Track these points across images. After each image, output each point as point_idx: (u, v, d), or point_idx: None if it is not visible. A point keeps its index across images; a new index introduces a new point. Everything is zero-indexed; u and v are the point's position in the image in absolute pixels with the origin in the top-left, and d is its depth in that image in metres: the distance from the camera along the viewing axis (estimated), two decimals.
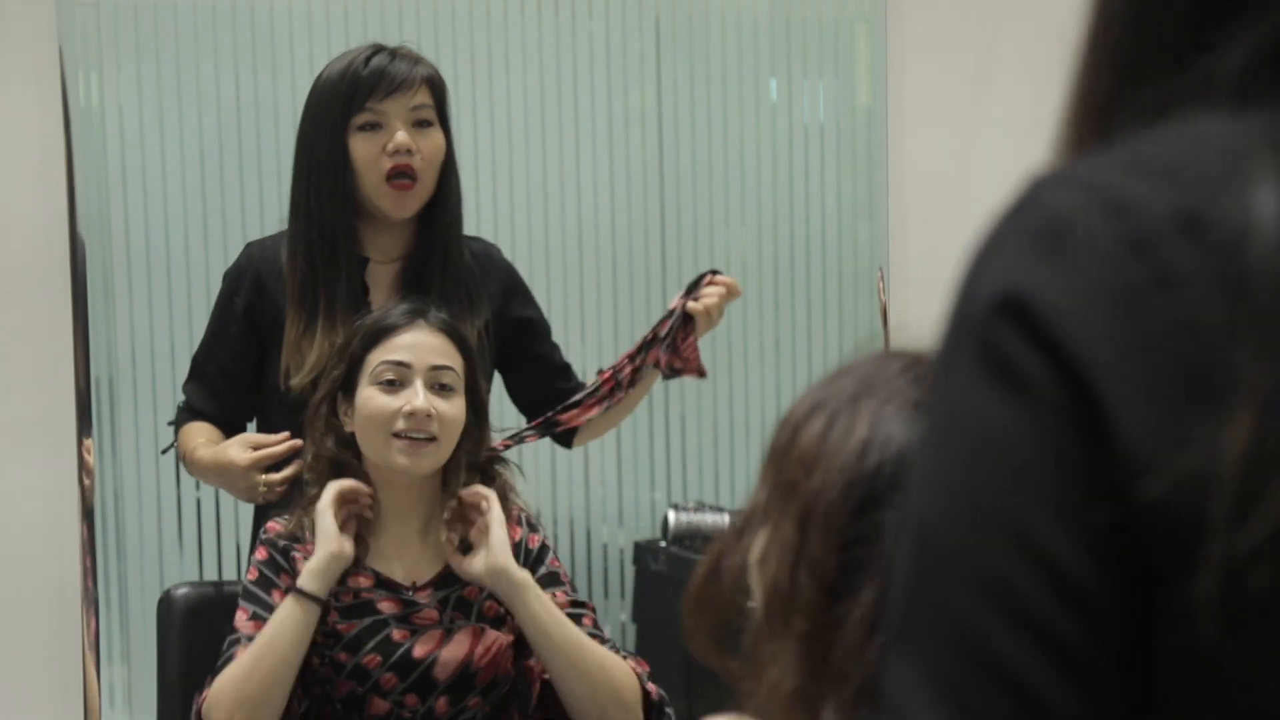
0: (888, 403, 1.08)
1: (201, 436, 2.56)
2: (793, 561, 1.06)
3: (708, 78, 3.77)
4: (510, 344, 2.67)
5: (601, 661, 2.29)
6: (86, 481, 3.42)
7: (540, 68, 3.67)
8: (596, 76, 3.71)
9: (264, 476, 2.47)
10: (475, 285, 2.61)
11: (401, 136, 2.50)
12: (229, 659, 2.24)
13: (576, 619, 2.35)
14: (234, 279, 2.62)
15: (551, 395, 2.71)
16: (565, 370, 2.76)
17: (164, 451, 2.74)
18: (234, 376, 2.60)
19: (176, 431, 2.63)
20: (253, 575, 2.31)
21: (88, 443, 3.42)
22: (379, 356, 2.29)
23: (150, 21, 3.47)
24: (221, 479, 2.54)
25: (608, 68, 3.71)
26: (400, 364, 2.28)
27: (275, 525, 2.34)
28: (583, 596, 2.42)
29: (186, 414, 2.63)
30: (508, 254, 2.96)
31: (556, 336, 3.67)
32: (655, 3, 3.74)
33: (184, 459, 2.61)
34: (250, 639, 2.24)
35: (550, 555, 2.41)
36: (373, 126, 2.51)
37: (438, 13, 3.61)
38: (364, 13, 3.56)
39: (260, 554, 2.33)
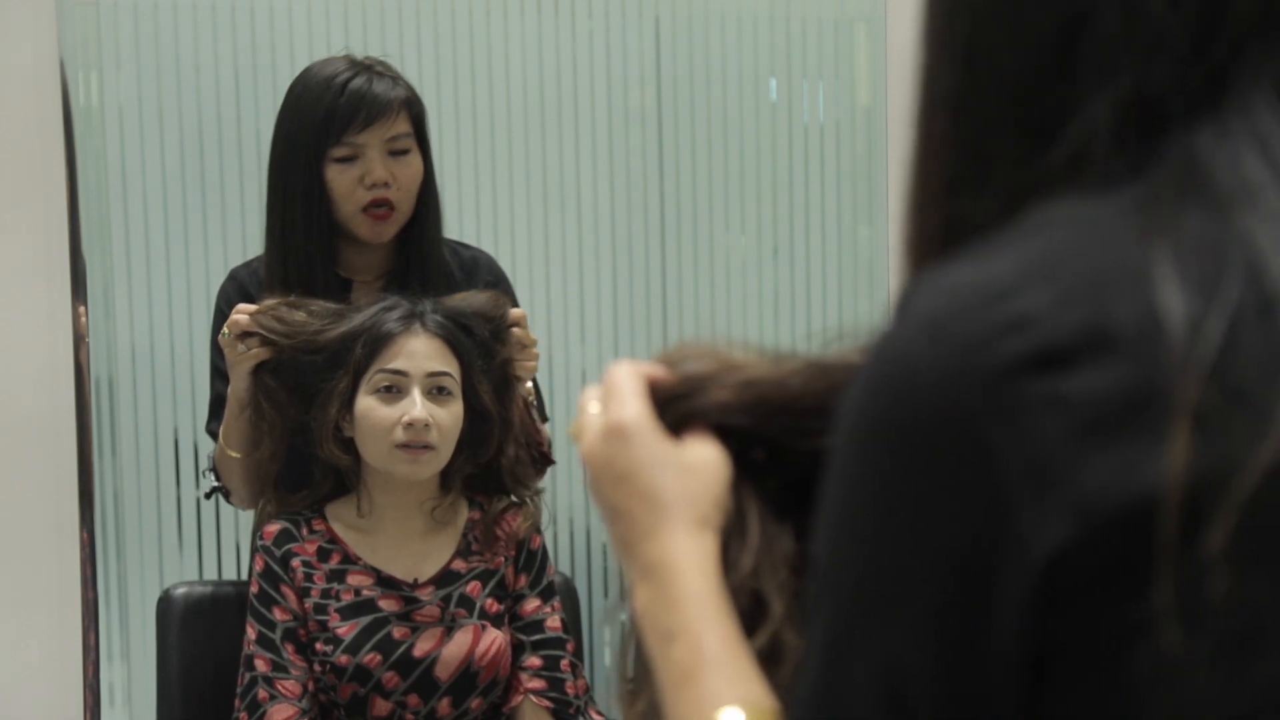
0: None
1: None
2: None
3: (708, 78, 3.77)
4: None
5: None
6: (86, 480, 3.42)
7: (540, 68, 3.67)
8: (596, 76, 3.70)
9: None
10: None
11: (379, 171, 2.46)
12: (252, 696, 2.27)
13: (560, 644, 2.37)
14: (226, 301, 2.58)
15: None
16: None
17: (208, 496, 2.63)
18: None
19: (216, 473, 2.55)
20: (254, 589, 2.33)
21: (87, 440, 3.42)
22: (377, 365, 2.30)
23: (150, 21, 3.47)
24: (233, 399, 2.43)
25: (608, 68, 3.71)
26: (397, 372, 2.29)
27: (270, 529, 2.35)
28: (572, 609, 2.45)
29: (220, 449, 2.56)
30: (507, 254, 2.95)
31: (556, 337, 3.68)
32: (655, 3, 3.73)
33: (222, 455, 2.51)
34: (266, 679, 2.27)
35: (548, 562, 2.43)
36: (349, 159, 2.47)
37: (437, 12, 3.61)
38: (363, 13, 3.56)
39: (258, 564, 2.34)
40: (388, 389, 2.29)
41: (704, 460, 0.90)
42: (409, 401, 2.28)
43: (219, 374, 2.57)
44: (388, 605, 2.31)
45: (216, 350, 2.59)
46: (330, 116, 2.45)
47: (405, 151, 2.51)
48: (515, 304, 2.65)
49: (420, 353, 2.31)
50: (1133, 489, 0.67)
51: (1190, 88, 0.73)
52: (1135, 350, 0.68)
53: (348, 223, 2.51)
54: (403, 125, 2.50)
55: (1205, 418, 0.67)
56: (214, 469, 2.56)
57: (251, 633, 2.30)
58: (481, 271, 2.64)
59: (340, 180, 2.48)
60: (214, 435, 2.58)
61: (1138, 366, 0.68)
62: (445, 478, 2.36)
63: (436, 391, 2.31)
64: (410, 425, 2.27)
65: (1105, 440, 0.68)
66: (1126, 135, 0.73)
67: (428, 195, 2.55)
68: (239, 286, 2.58)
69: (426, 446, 2.29)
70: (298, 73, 2.59)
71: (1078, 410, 0.68)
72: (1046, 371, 0.68)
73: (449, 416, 2.31)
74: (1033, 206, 0.74)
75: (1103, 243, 0.71)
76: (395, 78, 2.53)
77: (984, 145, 0.77)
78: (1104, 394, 0.68)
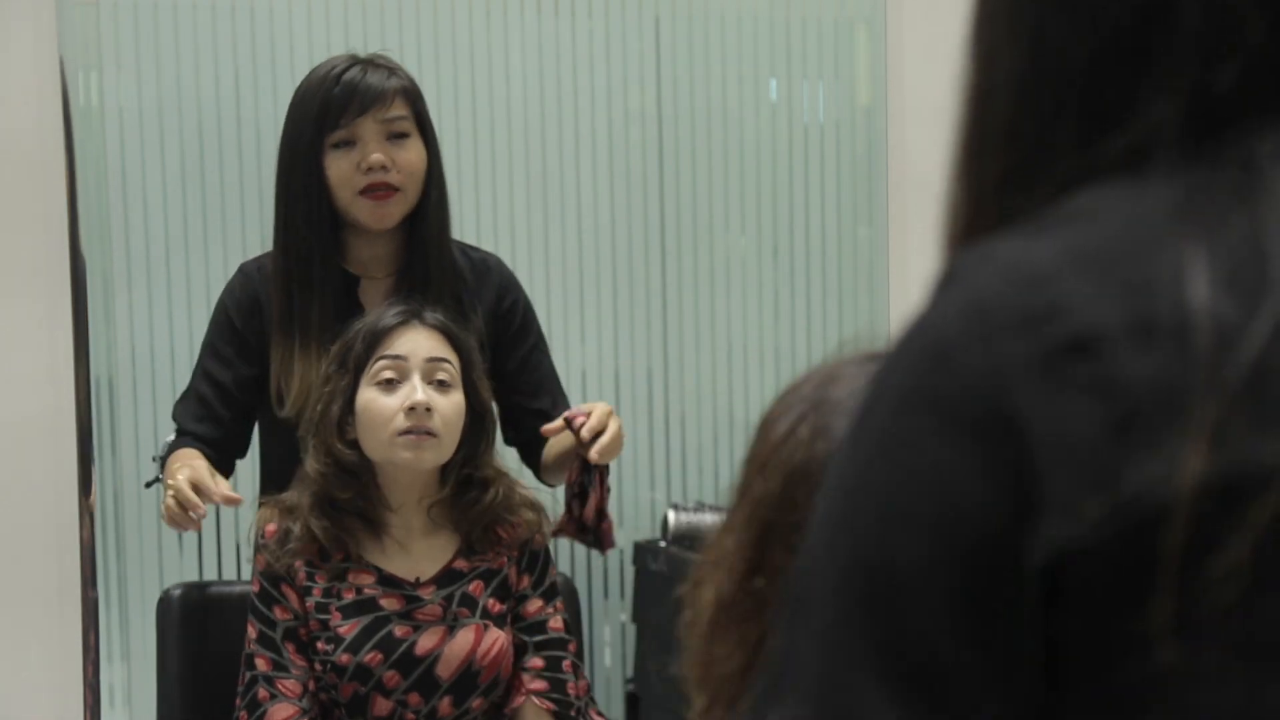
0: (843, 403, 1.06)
1: (178, 461, 2.45)
2: (745, 570, 1.04)
3: (708, 78, 3.77)
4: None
5: None
6: (86, 480, 3.42)
7: (540, 68, 3.67)
8: (596, 76, 3.71)
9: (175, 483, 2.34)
10: (470, 297, 2.57)
11: (375, 155, 2.45)
12: (252, 695, 2.27)
13: (562, 645, 2.37)
14: (230, 298, 2.57)
15: (521, 442, 2.64)
16: (538, 415, 2.58)
17: (148, 485, 2.61)
18: (230, 396, 2.53)
19: (163, 463, 2.53)
20: (255, 587, 2.33)
21: (87, 440, 3.42)
22: (376, 355, 2.30)
23: (150, 21, 3.47)
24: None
25: (608, 68, 3.71)
26: (396, 358, 2.29)
27: (272, 528, 2.35)
28: (572, 608, 2.45)
29: (176, 442, 2.55)
30: (507, 254, 2.93)
31: (556, 338, 3.68)
32: (655, 3, 3.74)
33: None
34: (267, 678, 2.26)
35: (551, 562, 2.43)
36: (346, 144, 2.46)
37: (437, 13, 3.61)
38: (363, 13, 3.56)
39: (259, 563, 2.34)
40: (388, 381, 2.29)
41: None
42: (410, 387, 2.28)
43: (204, 375, 2.56)
44: (389, 604, 2.31)
45: (207, 349, 2.57)
46: (326, 107, 2.46)
47: (404, 135, 2.49)
48: (522, 304, 2.63)
49: (419, 341, 2.31)
50: (1155, 495, 0.67)
51: (1260, 83, 0.72)
52: (1169, 351, 0.68)
53: (348, 209, 2.49)
54: (400, 110, 2.49)
55: (1232, 426, 0.66)
56: (164, 458, 2.53)
57: (252, 632, 2.30)
58: (493, 275, 2.62)
59: (337, 166, 2.47)
60: (177, 420, 2.57)
61: (1169, 369, 0.67)
62: (445, 474, 2.36)
63: (437, 383, 2.31)
64: (412, 410, 2.26)
65: (1134, 440, 0.67)
66: (1189, 129, 0.73)
67: (432, 182, 2.53)
68: (245, 282, 2.58)
69: (429, 433, 2.28)
70: (297, 73, 2.60)
71: (1111, 404, 0.67)
72: (1082, 360, 0.68)
73: (450, 405, 2.31)
74: (1083, 191, 0.73)
75: (1147, 239, 0.70)
76: (392, 69, 2.53)
77: (1045, 134, 0.76)
78: (1137, 391, 0.67)
